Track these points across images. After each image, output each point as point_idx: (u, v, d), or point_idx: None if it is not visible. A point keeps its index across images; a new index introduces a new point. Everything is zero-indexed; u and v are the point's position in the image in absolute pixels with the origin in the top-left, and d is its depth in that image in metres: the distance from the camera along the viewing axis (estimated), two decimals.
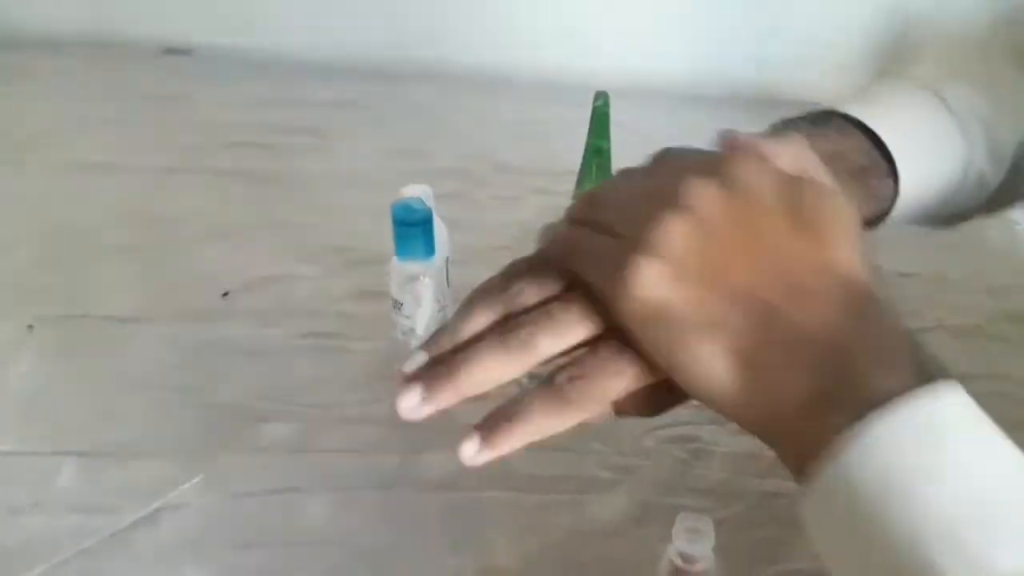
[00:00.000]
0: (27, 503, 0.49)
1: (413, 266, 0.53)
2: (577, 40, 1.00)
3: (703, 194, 0.27)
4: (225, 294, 0.66)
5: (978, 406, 0.25)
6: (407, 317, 0.54)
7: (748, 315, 0.26)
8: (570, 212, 0.31)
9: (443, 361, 0.29)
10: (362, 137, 0.89)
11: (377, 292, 0.58)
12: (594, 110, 0.59)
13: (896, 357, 0.25)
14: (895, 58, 0.43)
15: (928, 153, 0.39)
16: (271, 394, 0.57)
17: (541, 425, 0.28)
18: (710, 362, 0.26)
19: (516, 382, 0.29)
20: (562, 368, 0.29)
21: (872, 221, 0.38)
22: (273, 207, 0.77)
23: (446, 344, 0.30)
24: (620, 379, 0.28)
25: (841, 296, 0.26)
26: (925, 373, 0.25)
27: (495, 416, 0.29)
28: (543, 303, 0.29)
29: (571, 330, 0.29)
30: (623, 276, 0.27)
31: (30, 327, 0.62)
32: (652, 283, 0.26)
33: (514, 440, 0.28)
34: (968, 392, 0.25)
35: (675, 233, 0.26)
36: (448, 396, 0.29)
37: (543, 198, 0.77)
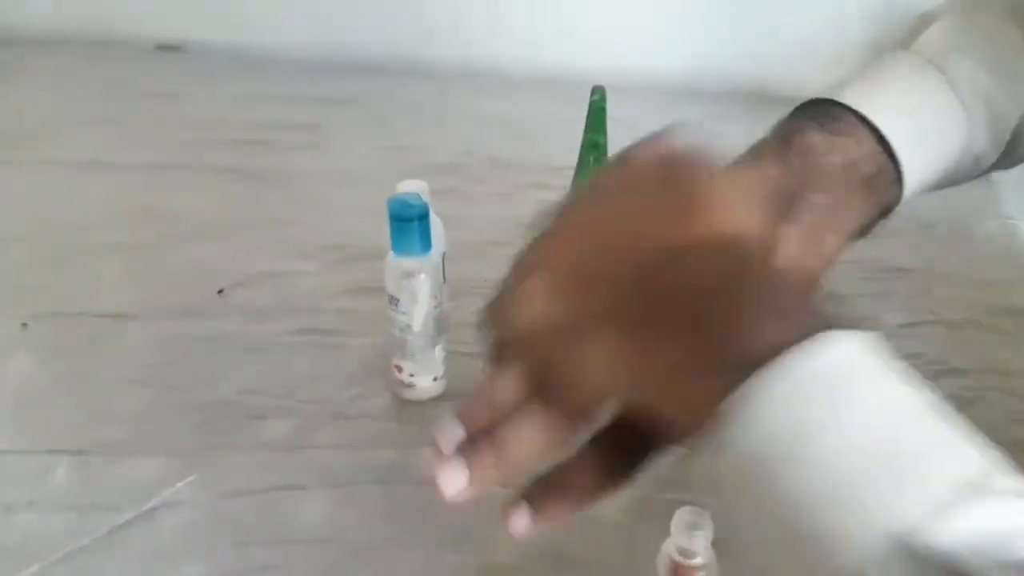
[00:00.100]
0: (22, 502, 0.49)
1: (409, 262, 0.53)
2: (574, 37, 1.00)
3: (566, 212, 0.28)
4: (221, 291, 0.65)
5: (879, 352, 0.23)
6: (404, 313, 0.54)
7: (621, 296, 0.26)
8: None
9: (484, 438, 0.28)
10: (358, 134, 0.89)
11: (373, 288, 0.58)
12: (591, 105, 0.59)
13: (782, 312, 0.24)
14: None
15: (932, 145, 0.38)
16: (267, 391, 0.57)
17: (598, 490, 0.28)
18: (600, 356, 0.26)
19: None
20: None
21: (873, 224, 0.38)
22: (269, 204, 0.77)
23: (482, 416, 0.29)
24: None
25: (712, 256, 0.25)
26: (817, 325, 0.23)
27: (546, 483, 0.28)
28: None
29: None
30: (505, 311, 0.28)
31: (24, 325, 0.61)
32: (527, 305, 0.27)
33: (570, 508, 0.28)
34: (874, 337, 0.24)
35: (541, 252, 0.28)
36: (495, 475, 0.28)
37: (539, 194, 0.77)
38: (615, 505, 0.51)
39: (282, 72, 0.98)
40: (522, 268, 0.29)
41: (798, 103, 0.38)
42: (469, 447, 0.28)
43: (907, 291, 0.69)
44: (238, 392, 0.57)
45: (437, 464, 0.28)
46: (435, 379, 0.57)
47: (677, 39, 0.99)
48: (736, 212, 0.27)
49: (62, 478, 0.51)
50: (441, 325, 0.56)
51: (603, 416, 0.29)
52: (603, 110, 0.59)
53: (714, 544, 0.39)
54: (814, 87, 0.40)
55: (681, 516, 0.38)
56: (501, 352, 0.29)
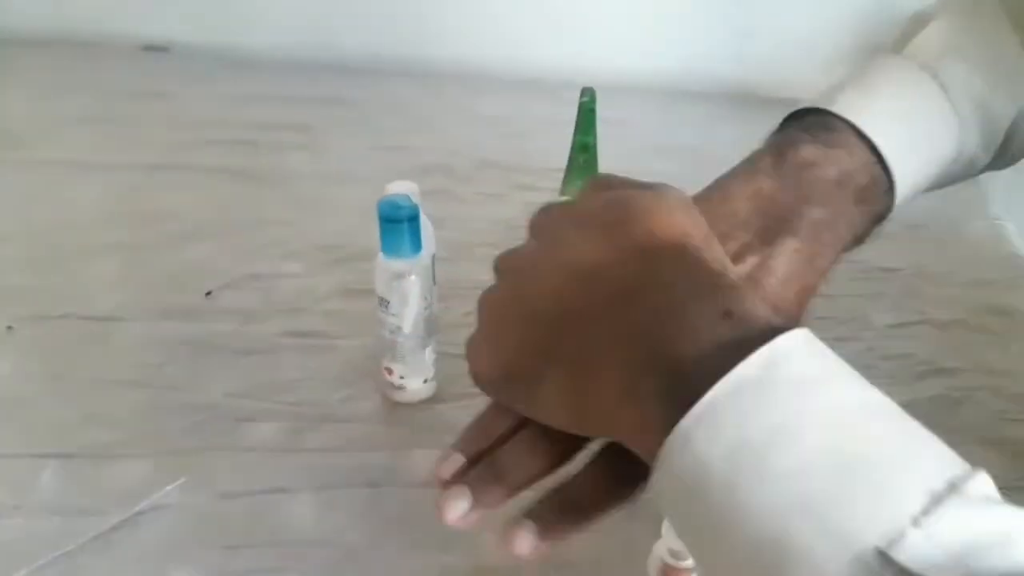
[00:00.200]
0: (8, 505, 0.49)
1: (399, 264, 0.53)
2: (563, 37, 1.00)
3: (506, 259, 0.29)
4: (208, 293, 0.65)
5: (820, 347, 0.22)
6: (394, 315, 0.54)
7: (552, 334, 0.26)
8: None
9: (484, 462, 0.29)
10: (348, 134, 0.88)
11: (363, 290, 0.57)
12: (580, 106, 0.59)
13: (709, 314, 0.23)
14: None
15: (924, 151, 0.38)
16: (256, 393, 0.57)
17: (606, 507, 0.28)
18: (548, 400, 0.27)
19: None
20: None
21: (867, 234, 0.38)
22: (259, 205, 0.76)
23: (480, 441, 0.29)
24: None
25: (632, 269, 0.25)
26: (750, 322, 0.22)
27: (551, 500, 0.28)
28: None
29: None
30: (470, 365, 0.29)
31: (9, 328, 0.61)
32: (473, 361, 0.29)
33: (578, 525, 0.28)
34: (812, 336, 0.22)
35: (481, 305, 0.29)
36: (497, 498, 0.28)
37: (528, 195, 0.77)
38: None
39: (272, 72, 0.97)
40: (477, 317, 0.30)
41: (788, 105, 0.38)
42: (469, 472, 0.29)
43: (896, 291, 0.69)
44: (227, 394, 0.57)
45: (439, 491, 0.28)
46: (425, 381, 0.57)
47: (668, 40, 0.99)
48: (662, 220, 0.26)
49: (49, 482, 0.50)
50: (431, 327, 0.55)
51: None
52: (592, 111, 0.59)
53: None
54: (805, 87, 0.40)
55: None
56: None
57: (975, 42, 0.41)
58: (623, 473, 0.28)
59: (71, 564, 0.46)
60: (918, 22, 0.41)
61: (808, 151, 0.35)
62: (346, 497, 0.50)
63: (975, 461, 0.22)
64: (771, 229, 0.33)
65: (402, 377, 0.56)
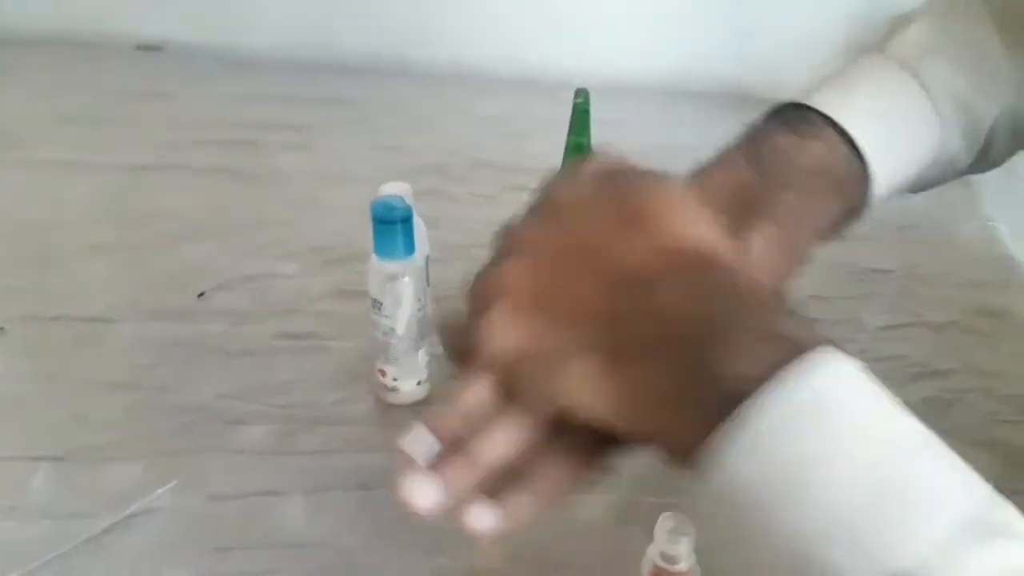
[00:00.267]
0: (0, 507, 0.48)
1: (393, 265, 0.53)
2: (561, 37, 1.00)
3: (521, 234, 0.28)
4: (201, 294, 0.65)
5: (859, 370, 0.23)
6: (387, 317, 0.54)
7: (597, 327, 0.25)
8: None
9: (458, 452, 0.27)
10: (344, 134, 0.88)
11: (356, 291, 0.57)
12: (574, 107, 0.59)
13: (761, 335, 0.23)
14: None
15: (904, 149, 0.39)
16: (248, 395, 0.57)
17: (562, 487, 0.28)
18: (579, 385, 0.26)
19: None
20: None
21: (842, 225, 0.38)
22: (251, 205, 0.76)
23: (455, 426, 0.28)
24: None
25: (683, 281, 0.25)
26: (798, 345, 0.23)
27: (510, 478, 0.28)
28: None
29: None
30: (477, 340, 0.27)
31: (1, 329, 0.61)
32: (498, 334, 0.26)
33: (537, 504, 0.27)
34: (849, 354, 0.23)
35: (504, 278, 0.27)
36: (470, 487, 0.27)
37: (522, 195, 0.77)
38: (600, 508, 0.51)
39: (268, 72, 0.97)
40: (484, 292, 0.28)
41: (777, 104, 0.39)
42: (443, 460, 0.28)
43: (888, 293, 0.70)
44: (219, 396, 0.56)
45: (411, 478, 0.27)
46: (419, 383, 0.57)
47: (667, 40, 0.99)
48: (688, 221, 0.26)
49: (41, 484, 0.50)
50: (425, 329, 0.55)
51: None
52: (587, 112, 0.59)
53: (697, 550, 0.39)
54: (799, 88, 0.40)
55: (664, 522, 0.38)
56: (471, 369, 0.29)
57: (957, 42, 0.41)
58: (584, 454, 0.28)
59: (63, 567, 0.46)
60: (901, 24, 0.42)
61: (783, 140, 0.35)
62: (338, 499, 0.50)
63: (968, 463, 0.22)
64: (746, 215, 0.33)
65: (395, 379, 0.56)
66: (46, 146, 0.83)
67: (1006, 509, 0.21)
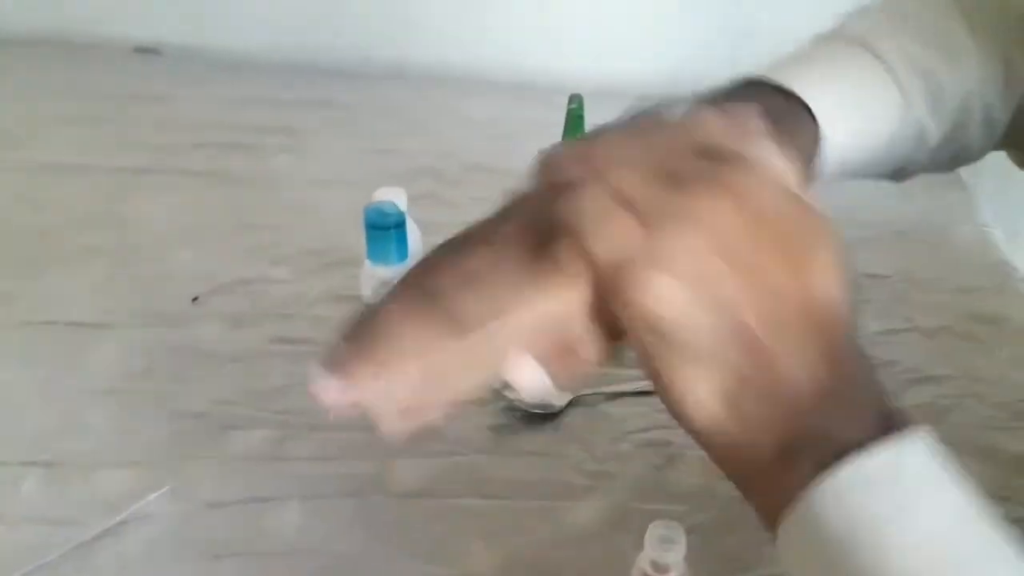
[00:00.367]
0: None
1: (386, 271, 0.53)
2: (552, 41, 1.00)
3: (720, 214, 0.25)
4: (195, 299, 0.64)
5: (942, 451, 0.25)
6: None
7: (742, 353, 0.25)
8: (581, 159, 0.27)
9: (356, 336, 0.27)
10: (336, 137, 0.88)
11: (351, 295, 0.57)
12: (568, 113, 0.59)
13: (864, 404, 0.25)
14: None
15: (856, 104, 0.38)
16: (242, 400, 0.57)
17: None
18: (697, 393, 0.25)
19: (490, 392, 0.27)
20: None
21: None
22: (245, 208, 0.76)
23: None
24: (525, 303, 0.26)
25: (821, 341, 0.25)
26: (889, 419, 0.25)
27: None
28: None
29: (500, 294, 0.26)
30: (641, 283, 0.25)
31: None
32: (668, 302, 0.25)
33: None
34: (933, 435, 0.25)
35: (700, 255, 0.25)
36: (366, 370, 0.26)
37: None
38: (591, 515, 0.51)
39: (261, 75, 0.97)
40: (683, 194, 0.25)
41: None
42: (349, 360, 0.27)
43: (883, 298, 0.70)
44: (212, 402, 0.56)
45: (319, 375, 0.27)
46: None
47: (658, 44, 0.99)
48: (835, 277, 0.26)
49: (30, 491, 0.50)
50: None
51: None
52: (580, 118, 0.59)
53: (686, 559, 0.39)
54: None
55: (654, 530, 0.38)
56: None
57: (915, 20, 0.41)
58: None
59: (53, 574, 0.45)
60: (855, 11, 0.42)
61: (723, 98, 0.36)
62: (332, 506, 0.50)
63: (962, 470, 0.24)
64: None
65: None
66: (40, 148, 0.83)
67: None
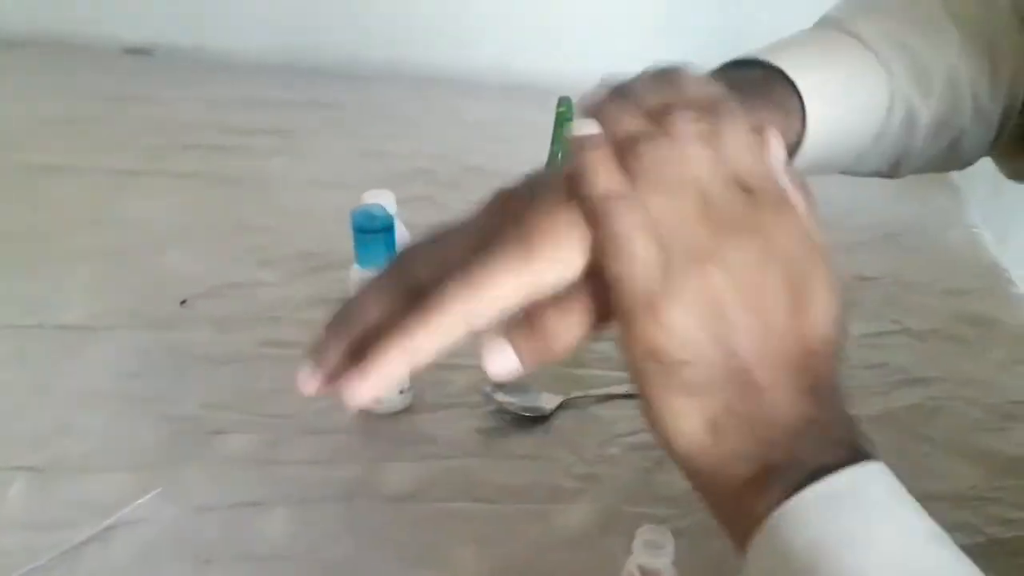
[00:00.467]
0: None
1: (374, 274, 0.52)
2: (547, 43, 0.99)
3: (745, 253, 0.26)
4: (183, 302, 0.64)
5: (891, 479, 0.26)
6: None
7: (734, 386, 0.26)
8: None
9: (352, 348, 0.27)
10: (328, 139, 0.88)
11: (342, 299, 0.57)
12: (557, 116, 0.59)
13: (837, 436, 0.26)
14: None
15: (841, 85, 0.38)
16: (231, 404, 0.56)
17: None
18: (682, 417, 0.26)
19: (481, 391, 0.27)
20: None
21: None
22: (235, 211, 0.76)
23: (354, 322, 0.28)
24: (514, 289, 0.26)
25: (808, 377, 0.26)
26: (857, 452, 0.26)
27: (521, 323, 0.27)
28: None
29: (492, 288, 0.26)
30: (654, 316, 0.25)
31: None
32: (677, 336, 0.25)
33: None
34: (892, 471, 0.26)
35: (716, 292, 0.26)
36: (361, 389, 0.27)
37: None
38: (582, 518, 0.51)
39: (253, 76, 0.97)
40: (712, 228, 0.26)
41: None
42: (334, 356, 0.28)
43: (872, 300, 0.70)
44: (201, 406, 0.56)
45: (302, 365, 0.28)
46: (401, 392, 0.56)
47: (653, 46, 0.98)
48: (827, 313, 0.27)
49: (18, 495, 0.50)
50: None
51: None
52: (569, 120, 0.59)
53: (675, 563, 0.39)
54: None
55: (643, 534, 0.38)
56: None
57: (891, 6, 0.41)
58: (597, 307, 0.27)
59: None
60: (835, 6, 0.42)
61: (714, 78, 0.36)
62: (321, 510, 0.50)
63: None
64: None
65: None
66: (30, 150, 0.82)
67: None
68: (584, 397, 0.58)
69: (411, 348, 0.26)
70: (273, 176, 0.81)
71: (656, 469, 0.54)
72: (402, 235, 0.55)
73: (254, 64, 0.98)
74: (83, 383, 0.57)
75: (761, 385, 0.26)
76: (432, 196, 0.78)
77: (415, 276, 0.28)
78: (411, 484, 0.52)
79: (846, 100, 0.38)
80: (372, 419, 0.56)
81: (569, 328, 0.27)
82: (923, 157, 0.43)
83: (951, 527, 0.25)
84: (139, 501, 0.49)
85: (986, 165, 0.48)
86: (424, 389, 0.57)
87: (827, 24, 0.41)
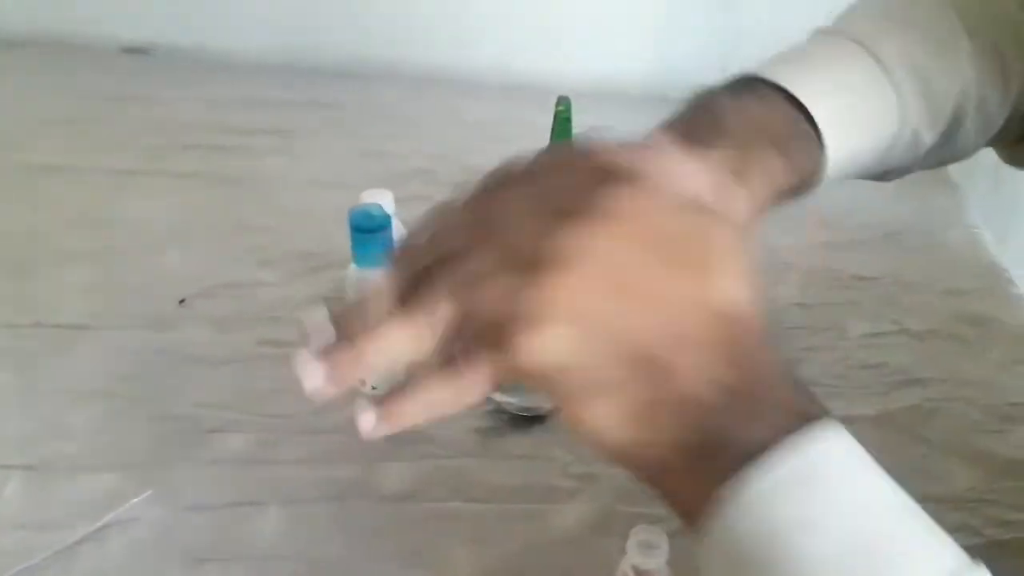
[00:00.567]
0: None
1: (372, 274, 0.52)
2: (545, 42, 0.99)
3: (604, 240, 0.25)
4: (182, 301, 0.64)
5: (856, 444, 0.25)
6: None
7: (642, 375, 0.25)
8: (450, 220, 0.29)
9: (347, 346, 0.28)
10: (328, 139, 0.88)
11: (340, 299, 0.57)
12: (556, 115, 0.59)
13: (773, 403, 0.25)
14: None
15: (857, 115, 0.38)
16: (227, 404, 0.56)
17: (436, 399, 0.28)
18: (602, 420, 0.26)
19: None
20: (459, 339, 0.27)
21: (796, 191, 0.37)
22: (234, 210, 0.76)
23: (353, 328, 0.29)
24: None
25: (724, 348, 0.25)
26: (802, 416, 0.24)
27: (395, 389, 0.28)
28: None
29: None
30: (524, 341, 0.25)
31: None
32: (555, 351, 0.25)
33: (409, 414, 0.28)
34: (848, 429, 0.25)
35: (584, 292, 0.25)
36: (351, 371, 0.28)
37: None
38: (576, 518, 0.51)
39: (251, 76, 0.97)
40: (554, 236, 0.26)
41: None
42: (333, 347, 0.28)
43: (873, 300, 0.69)
44: (196, 405, 0.56)
45: (302, 357, 0.28)
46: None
47: (652, 45, 0.99)
48: (733, 279, 0.26)
49: (12, 494, 0.50)
50: None
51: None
52: (568, 120, 0.59)
53: (670, 563, 0.39)
54: None
55: (637, 534, 0.38)
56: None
57: (911, 18, 0.40)
58: (471, 384, 0.28)
59: None
60: (854, 8, 0.42)
61: (721, 103, 0.35)
62: (314, 511, 0.50)
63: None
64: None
65: (374, 388, 0.55)
66: (30, 150, 0.82)
67: (978, 572, 0.23)
68: None
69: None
70: (273, 176, 0.81)
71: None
72: (400, 234, 0.55)
73: (254, 64, 0.98)
74: (79, 382, 0.57)
75: (670, 368, 0.25)
76: (432, 196, 0.76)
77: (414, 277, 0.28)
78: (407, 484, 0.52)
79: (858, 130, 0.38)
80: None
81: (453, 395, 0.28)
82: (916, 169, 0.43)
83: (949, 529, 0.24)
84: (134, 500, 0.49)
85: (986, 164, 0.47)
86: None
87: (851, 37, 0.40)
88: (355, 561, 0.47)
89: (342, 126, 0.90)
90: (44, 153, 0.82)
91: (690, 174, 0.29)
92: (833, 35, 0.40)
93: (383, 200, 0.56)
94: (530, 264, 0.25)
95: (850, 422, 0.25)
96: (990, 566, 0.24)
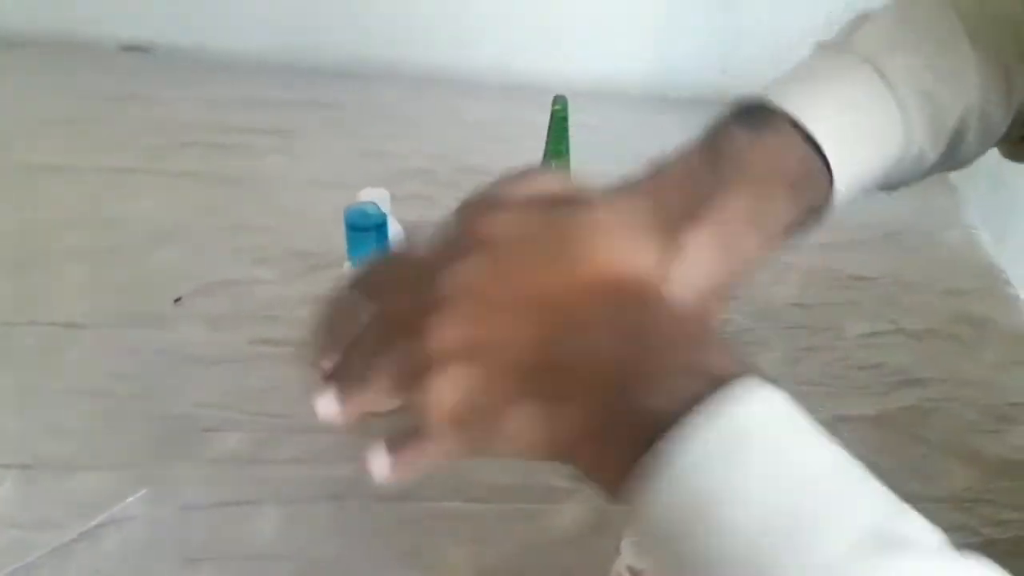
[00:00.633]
0: None
1: None
2: (545, 42, 0.99)
3: (466, 282, 0.27)
4: (178, 299, 0.64)
5: (776, 399, 0.24)
6: None
7: (533, 376, 0.26)
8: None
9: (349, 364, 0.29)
10: (327, 139, 0.88)
11: (327, 298, 0.57)
12: (552, 115, 0.59)
13: (680, 368, 0.24)
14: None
15: (867, 146, 0.38)
16: (222, 403, 0.56)
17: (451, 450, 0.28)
18: (520, 432, 0.26)
19: None
20: None
21: (805, 226, 0.37)
22: (232, 209, 0.76)
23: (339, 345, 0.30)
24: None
25: (607, 321, 0.26)
26: (715, 378, 0.24)
27: (406, 436, 0.29)
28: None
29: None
30: (419, 398, 0.27)
31: None
32: (451, 388, 0.26)
33: (423, 463, 0.28)
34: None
35: (458, 329, 0.26)
36: (361, 403, 0.29)
37: None
38: (572, 518, 0.50)
39: (251, 75, 0.97)
40: (423, 352, 0.27)
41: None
42: (339, 370, 0.30)
43: (871, 300, 0.69)
44: (192, 404, 0.56)
45: (316, 389, 0.30)
46: None
47: (651, 45, 0.99)
48: (617, 251, 0.27)
49: (6, 493, 0.50)
50: None
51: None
52: (564, 119, 0.59)
53: None
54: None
55: (631, 535, 0.38)
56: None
57: (920, 35, 0.40)
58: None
59: None
60: (861, 19, 0.41)
61: (740, 139, 0.35)
62: (310, 510, 0.50)
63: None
64: (688, 213, 0.32)
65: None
66: (27, 149, 0.82)
67: (909, 520, 0.22)
68: None
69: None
70: (272, 176, 0.81)
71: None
72: (396, 233, 0.55)
73: (254, 64, 0.98)
74: (74, 381, 0.57)
75: (565, 359, 0.25)
76: (431, 196, 0.77)
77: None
78: (401, 484, 0.52)
79: (868, 159, 0.38)
80: (363, 418, 0.56)
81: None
82: (919, 180, 0.43)
83: (947, 528, 0.24)
84: (129, 499, 0.49)
85: (984, 166, 0.47)
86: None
87: (859, 55, 0.39)
88: (352, 561, 0.47)
89: (342, 126, 0.90)
90: (44, 153, 0.82)
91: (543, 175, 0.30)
92: (840, 50, 0.40)
93: (379, 198, 0.56)
94: (410, 325, 0.27)
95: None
96: None
